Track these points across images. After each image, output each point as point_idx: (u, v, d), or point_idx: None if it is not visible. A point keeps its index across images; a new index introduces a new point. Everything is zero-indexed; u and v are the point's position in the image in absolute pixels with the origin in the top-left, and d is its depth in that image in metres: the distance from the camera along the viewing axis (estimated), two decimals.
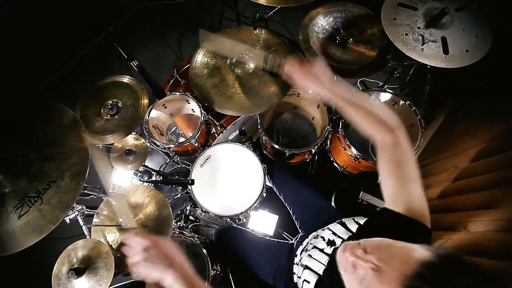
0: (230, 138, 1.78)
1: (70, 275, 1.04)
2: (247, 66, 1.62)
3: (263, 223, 1.82)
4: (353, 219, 0.97)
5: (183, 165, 2.09)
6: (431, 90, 1.91)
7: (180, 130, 2.10)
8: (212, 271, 1.48)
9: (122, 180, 2.01)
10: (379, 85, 1.79)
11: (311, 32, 1.64)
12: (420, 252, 0.57)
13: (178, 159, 1.95)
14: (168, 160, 2.06)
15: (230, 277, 1.84)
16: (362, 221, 0.92)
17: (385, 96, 1.78)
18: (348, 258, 0.63)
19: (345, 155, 1.75)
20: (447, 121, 1.96)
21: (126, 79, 1.41)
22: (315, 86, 0.96)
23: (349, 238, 0.90)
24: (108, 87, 1.40)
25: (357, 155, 1.61)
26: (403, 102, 1.69)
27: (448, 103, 2.04)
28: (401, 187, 0.78)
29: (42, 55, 2.40)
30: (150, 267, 0.71)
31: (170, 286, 0.70)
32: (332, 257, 0.90)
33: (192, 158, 2.11)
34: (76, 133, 0.97)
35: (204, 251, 1.49)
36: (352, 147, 1.62)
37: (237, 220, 1.69)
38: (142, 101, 1.35)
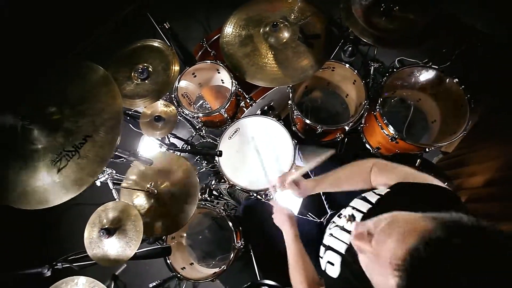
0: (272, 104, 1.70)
1: (101, 234, 1.05)
2: (281, 35, 1.53)
3: (288, 202, 1.77)
4: (374, 191, 0.89)
5: (209, 140, 2.07)
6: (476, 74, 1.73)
7: (207, 104, 2.07)
8: (237, 244, 1.47)
9: (148, 148, 2.02)
10: (424, 61, 1.64)
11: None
12: (421, 223, 0.48)
13: (204, 132, 1.92)
14: (194, 133, 2.04)
15: (252, 253, 1.83)
16: (383, 192, 0.84)
17: (427, 74, 1.64)
18: (353, 242, 0.58)
19: (380, 136, 1.64)
20: (492, 110, 1.77)
21: (156, 43, 1.36)
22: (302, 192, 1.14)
23: (369, 211, 0.82)
24: (138, 51, 1.37)
25: (396, 135, 1.50)
26: (450, 79, 1.54)
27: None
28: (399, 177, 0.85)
29: (76, 22, 2.45)
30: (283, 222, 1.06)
31: (288, 237, 1.02)
32: None
33: (218, 133, 2.08)
34: (107, 89, 0.95)
35: (230, 224, 1.47)
36: (390, 126, 1.51)
37: (264, 196, 1.65)
38: (173, 67, 1.31)
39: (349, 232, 0.87)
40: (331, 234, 0.94)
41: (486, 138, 1.62)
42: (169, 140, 1.99)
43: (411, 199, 0.72)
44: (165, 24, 1.25)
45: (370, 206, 0.84)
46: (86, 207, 2.28)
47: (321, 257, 0.93)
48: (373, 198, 0.86)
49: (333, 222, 1.03)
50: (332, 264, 0.84)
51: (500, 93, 1.69)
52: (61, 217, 2.34)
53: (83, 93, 0.98)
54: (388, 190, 0.83)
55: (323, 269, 0.89)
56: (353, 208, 0.92)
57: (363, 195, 0.92)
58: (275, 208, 1.12)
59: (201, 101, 2.10)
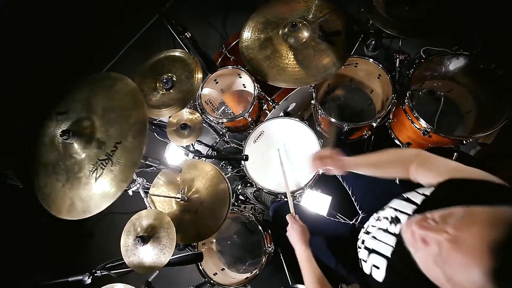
0: (289, 109, 1.69)
1: (137, 242, 1.07)
2: (301, 35, 1.51)
3: (316, 203, 1.73)
4: (416, 191, 0.84)
5: (233, 145, 2.08)
6: None
7: (229, 109, 2.08)
8: (268, 248, 1.45)
9: (174, 157, 2.06)
10: (454, 48, 1.55)
11: None
12: (507, 212, 0.49)
13: (227, 136, 1.93)
14: (218, 139, 2.06)
15: (281, 257, 1.81)
16: (428, 191, 0.79)
17: (458, 62, 1.55)
18: (415, 233, 0.57)
19: (411, 130, 1.56)
20: None
21: (177, 52, 1.39)
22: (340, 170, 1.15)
23: (415, 212, 0.77)
24: (161, 62, 1.40)
25: (428, 128, 1.42)
26: (485, 65, 1.44)
27: None
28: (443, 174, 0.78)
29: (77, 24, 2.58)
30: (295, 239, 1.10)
31: (301, 258, 1.05)
32: (399, 236, 0.78)
33: (241, 137, 2.09)
34: (132, 95, 0.98)
35: (260, 228, 1.46)
36: (421, 119, 1.44)
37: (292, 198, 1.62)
38: (196, 75, 1.33)
39: (393, 234, 0.83)
40: (374, 237, 0.90)
41: None
42: (193, 147, 2.03)
43: (472, 195, 0.67)
44: (186, 34, 1.27)
45: (415, 207, 0.79)
46: (117, 216, 2.37)
47: (365, 261, 0.89)
48: (417, 198, 0.81)
49: (373, 225, 0.98)
50: (378, 268, 0.81)
51: None
52: (95, 227, 2.44)
53: (109, 102, 1.02)
54: (435, 188, 0.78)
55: (367, 273, 0.85)
56: (395, 209, 0.87)
57: (404, 195, 0.87)
58: (290, 224, 1.14)
59: (223, 107, 2.12)
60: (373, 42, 1.87)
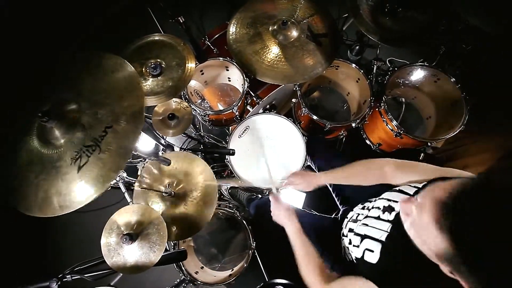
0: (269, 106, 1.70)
1: (124, 240, 0.97)
2: (289, 33, 1.53)
3: (291, 200, 1.77)
4: (409, 184, 0.93)
5: (208, 139, 2.01)
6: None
7: (207, 103, 2.01)
8: (253, 243, 1.44)
9: (143, 149, 1.92)
10: (420, 60, 1.73)
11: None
12: (459, 181, 0.60)
13: (203, 130, 1.87)
14: (194, 133, 1.98)
15: (256, 253, 1.81)
16: (420, 185, 0.88)
17: (423, 73, 1.73)
18: (401, 208, 0.72)
19: (383, 132, 1.70)
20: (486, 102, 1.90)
21: (166, 37, 1.30)
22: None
23: None
24: (148, 46, 1.29)
25: (400, 130, 1.56)
26: (445, 77, 1.64)
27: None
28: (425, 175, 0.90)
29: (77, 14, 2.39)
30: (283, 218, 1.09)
31: (291, 233, 1.05)
32: (394, 222, 0.86)
33: (217, 132, 2.04)
34: (124, 76, 0.88)
35: (245, 223, 1.44)
36: (394, 121, 1.57)
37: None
38: (188, 63, 1.25)
39: (387, 221, 0.89)
40: (366, 224, 0.96)
41: (479, 132, 1.73)
42: (165, 141, 1.91)
43: None
44: (179, 18, 1.19)
45: (408, 197, 0.87)
46: (74, 214, 2.11)
47: (357, 246, 0.94)
48: (410, 190, 0.89)
49: (361, 214, 1.05)
50: (371, 251, 0.87)
51: (489, 91, 1.84)
52: (49, 226, 2.14)
53: (98, 83, 0.90)
54: (425, 183, 0.86)
55: (359, 256, 0.91)
56: (389, 200, 0.94)
57: (397, 188, 0.95)
58: (273, 205, 1.15)
59: (199, 100, 2.04)
60: (357, 47, 1.98)
